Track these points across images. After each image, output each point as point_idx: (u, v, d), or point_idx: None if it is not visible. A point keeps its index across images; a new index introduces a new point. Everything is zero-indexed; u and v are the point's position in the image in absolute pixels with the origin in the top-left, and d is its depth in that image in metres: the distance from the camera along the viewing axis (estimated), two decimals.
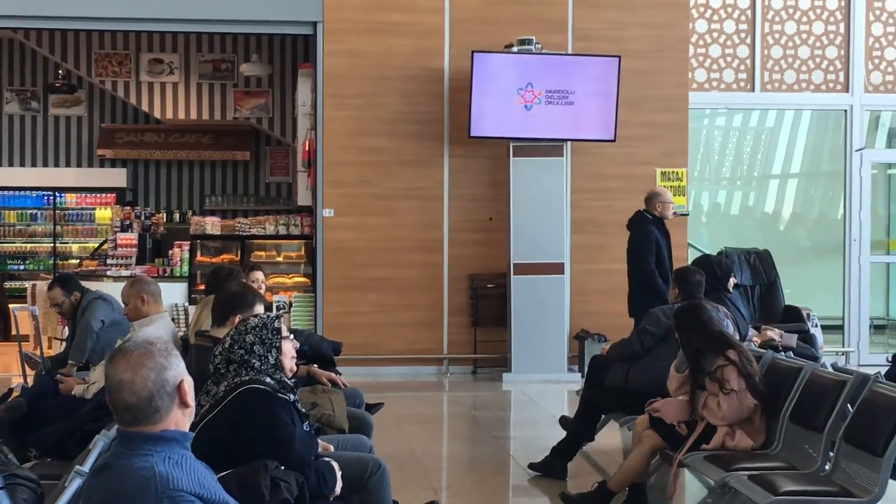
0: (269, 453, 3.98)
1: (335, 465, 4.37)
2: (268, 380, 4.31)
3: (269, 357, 4.39)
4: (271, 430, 4.16)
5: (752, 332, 8.10)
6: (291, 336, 4.62)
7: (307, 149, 12.96)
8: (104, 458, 2.97)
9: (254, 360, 4.36)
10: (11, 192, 17.24)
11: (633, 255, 9.96)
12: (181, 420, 2.89)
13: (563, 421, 7.95)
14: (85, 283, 9.38)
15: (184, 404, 2.89)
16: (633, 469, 6.31)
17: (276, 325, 4.48)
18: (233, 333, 4.47)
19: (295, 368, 4.61)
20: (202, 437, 4.18)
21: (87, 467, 3.36)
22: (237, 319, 5.14)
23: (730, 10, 13.21)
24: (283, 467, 3.89)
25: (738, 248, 11.48)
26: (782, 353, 7.25)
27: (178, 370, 2.89)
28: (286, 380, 4.41)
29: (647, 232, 9.81)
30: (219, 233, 13.35)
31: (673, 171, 12.45)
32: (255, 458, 3.90)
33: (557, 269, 11.98)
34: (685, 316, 6.23)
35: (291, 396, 4.37)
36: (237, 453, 4.00)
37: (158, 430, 2.83)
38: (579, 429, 7.41)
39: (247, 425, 4.16)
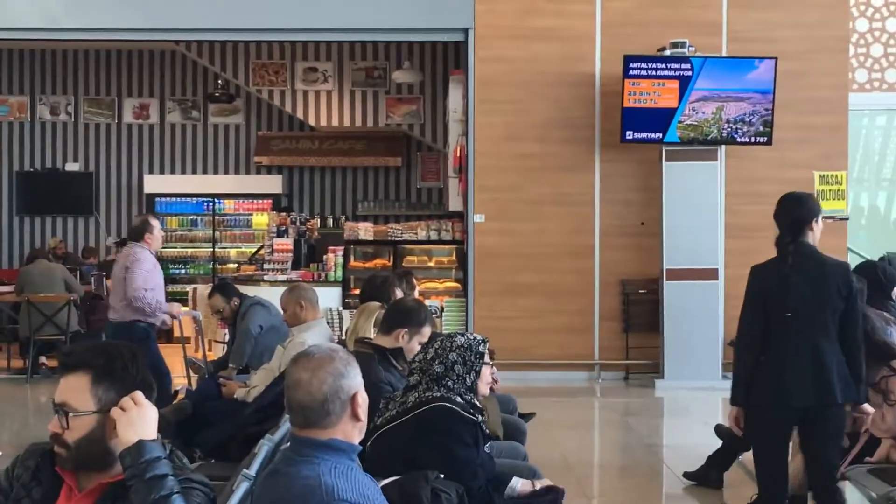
0: (444, 472, 4.01)
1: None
2: (458, 399, 4.35)
3: (467, 378, 4.43)
4: (452, 450, 4.22)
5: None
6: (492, 363, 4.65)
7: (458, 154, 13.05)
8: (274, 463, 3.06)
9: (449, 379, 4.41)
10: (174, 199, 17.83)
11: None
12: (350, 432, 2.95)
13: (719, 429, 7.82)
14: (243, 288, 9.68)
15: (355, 417, 2.94)
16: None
17: (481, 349, 4.52)
18: (437, 347, 4.52)
19: (487, 393, 4.63)
20: (382, 443, 4.26)
21: (253, 471, 3.45)
22: (403, 333, 5.21)
23: (893, 7, 12.81)
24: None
25: None
26: None
27: (355, 381, 2.96)
28: (476, 401, 4.44)
29: None
30: (371, 238, 13.53)
31: (832, 175, 12.13)
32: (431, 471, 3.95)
33: (711, 274, 11.80)
34: None
35: (479, 417, 4.40)
36: (416, 464, 4.05)
37: (327, 438, 2.90)
38: (736, 438, 7.27)
39: (429, 441, 4.23)
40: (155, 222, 8.96)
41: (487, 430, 4.56)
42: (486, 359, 4.52)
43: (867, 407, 5.29)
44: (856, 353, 5.16)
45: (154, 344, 8.84)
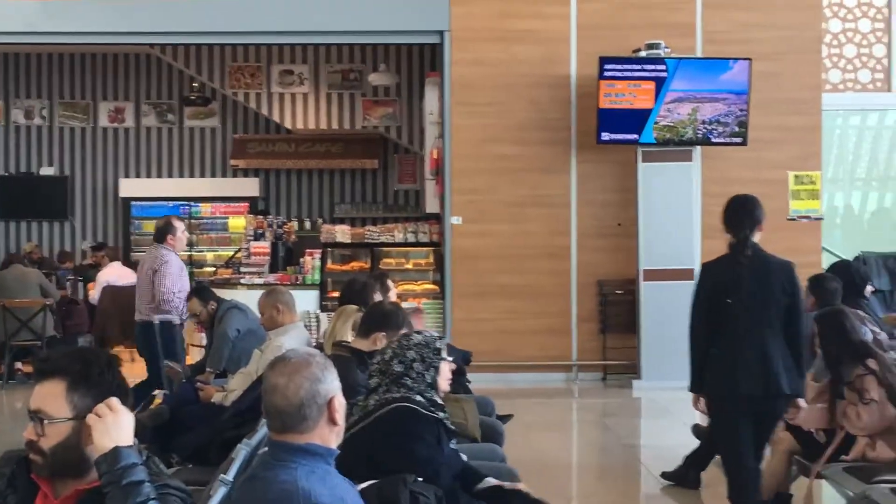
0: (408, 472, 4.01)
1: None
2: (418, 397, 4.35)
3: (426, 375, 4.42)
4: (413, 450, 4.21)
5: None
6: (451, 358, 4.66)
7: (435, 157, 13.06)
8: (251, 468, 3.06)
9: (408, 378, 4.39)
10: (149, 203, 17.75)
11: None
12: (328, 436, 2.96)
13: (696, 430, 7.84)
14: (220, 292, 9.67)
15: (332, 421, 2.95)
16: (774, 474, 6.21)
17: (437, 345, 4.52)
18: (395, 347, 4.51)
19: (448, 389, 4.64)
20: (347, 448, 4.26)
21: (230, 476, 3.45)
22: (381, 336, 5.21)
23: (865, 8, 12.89)
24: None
25: (875, 253, 11.19)
26: None
27: (331, 386, 2.96)
28: (437, 398, 4.44)
29: None
30: (349, 241, 13.52)
31: (806, 175, 12.19)
32: (395, 473, 3.95)
33: (688, 274, 11.74)
34: (827, 322, 6.11)
35: (441, 414, 4.40)
36: (379, 467, 4.05)
37: (304, 443, 2.90)
38: (713, 438, 7.30)
39: (390, 443, 4.23)
40: (178, 223, 9.21)
41: (452, 426, 4.56)
42: (444, 354, 4.52)
43: (801, 402, 5.61)
44: (798, 348, 5.53)
45: (178, 343, 9.26)
